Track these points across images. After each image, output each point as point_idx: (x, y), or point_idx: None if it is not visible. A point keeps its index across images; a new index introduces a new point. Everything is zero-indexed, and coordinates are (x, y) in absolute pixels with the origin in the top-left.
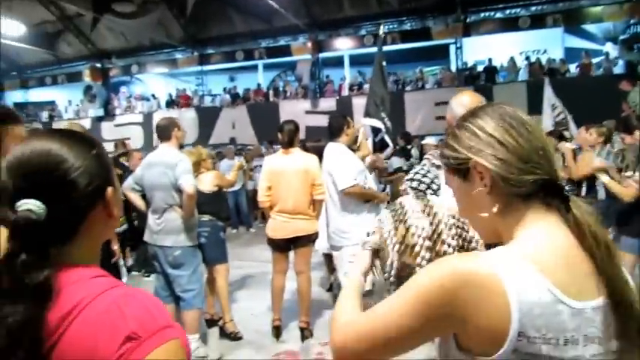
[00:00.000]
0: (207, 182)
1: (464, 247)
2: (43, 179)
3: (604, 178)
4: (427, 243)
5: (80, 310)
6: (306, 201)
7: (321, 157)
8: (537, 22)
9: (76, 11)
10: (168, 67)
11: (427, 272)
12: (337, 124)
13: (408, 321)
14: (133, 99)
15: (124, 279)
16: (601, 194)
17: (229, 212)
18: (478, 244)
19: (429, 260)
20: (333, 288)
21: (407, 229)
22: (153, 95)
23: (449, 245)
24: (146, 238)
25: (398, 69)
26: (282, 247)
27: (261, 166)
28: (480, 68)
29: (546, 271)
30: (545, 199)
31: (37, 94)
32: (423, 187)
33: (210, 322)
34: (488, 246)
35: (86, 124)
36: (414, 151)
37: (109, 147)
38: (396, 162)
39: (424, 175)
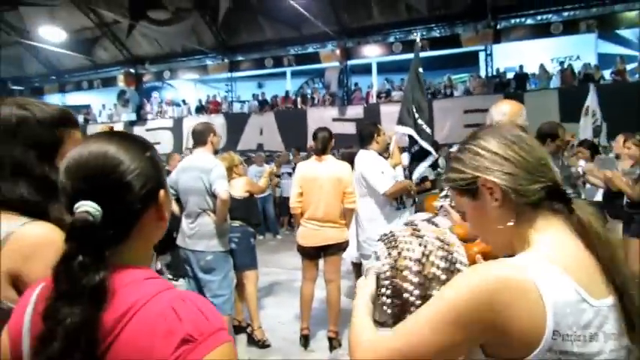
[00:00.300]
0: (239, 188)
1: (449, 268)
2: (100, 181)
3: None
4: (416, 267)
5: (135, 311)
6: (337, 209)
7: (353, 164)
8: (570, 27)
9: (113, 18)
10: (199, 73)
11: (458, 284)
12: (367, 132)
13: (443, 334)
14: (164, 104)
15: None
16: None
17: (260, 218)
18: (462, 264)
19: (419, 284)
20: None
21: (399, 254)
22: (183, 101)
23: (437, 267)
24: (179, 241)
25: (426, 76)
26: (312, 254)
27: (288, 173)
28: (511, 75)
29: (569, 272)
30: (551, 204)
31: (73, 98)
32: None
33: (239, 329)
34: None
35: (119, 127)
36: (441, 161)
37: None
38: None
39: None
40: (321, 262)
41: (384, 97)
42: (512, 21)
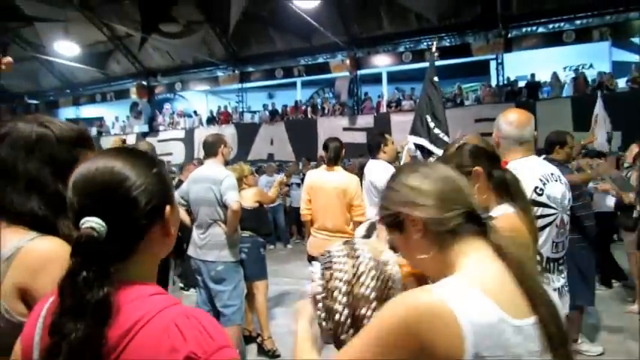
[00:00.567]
0: (248, 198)
1: (381, 287)
2: (106, 197)
3: None
4: (345, 288)
5: (140, 327)
6: (343, 220)
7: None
8: (583, 36)
9: (125, 32)
10: (210, 84)
11: (383, 314)
12: (375, 142)
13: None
14: (175, 115)
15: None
16: None
17: (270, 228)
18: (395, 283)
19: (347, 304)
20: None
21: (331, 275)
22: (195, 112)
23: (367, 287)
24: (190, 252)
25: None
26: None
27: (297, 184)
28: (522, 84)
29: (489, 294)
30: (471, 228)
31: (87, 111)
32: None
33: (249, 339)
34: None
35: (132, 139)
36: None
37: None
38: None
39: None
40: None
41: (395, 107)
42: (524, 30)
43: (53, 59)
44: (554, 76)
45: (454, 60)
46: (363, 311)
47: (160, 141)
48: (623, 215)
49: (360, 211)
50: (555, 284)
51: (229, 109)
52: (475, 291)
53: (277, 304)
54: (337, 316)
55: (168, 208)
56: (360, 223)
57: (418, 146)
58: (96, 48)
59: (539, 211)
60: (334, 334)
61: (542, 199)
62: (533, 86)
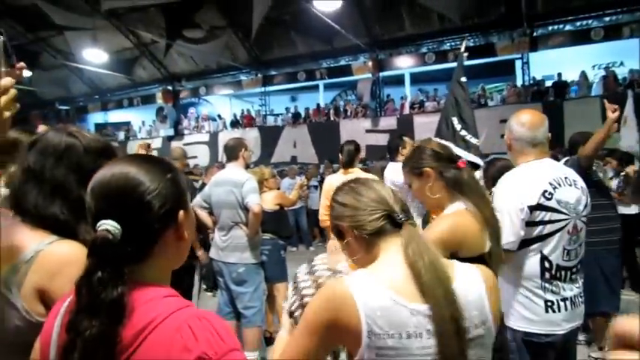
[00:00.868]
0: (269, 201)
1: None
2: (121, 201)
3: None
4: (304, 300)
5: (154, 327)
6: None
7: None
8: (612, 33)
9: (151, 38)
10: (234, 88)
11: (313, 300)
12: (393, 145)
13: (308, 343)
14: (200, 119)
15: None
16: None
17: (291, 231)
18: None
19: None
20: None
21: (300, 292)
22: (219, 115)
23: (311, 295)
24: (212, 254)
25: None
26: None
27: (314, 186)
28: (549, 83)
29: (387, 283)
30: (392, 229)
31: (115, 116)
32: None
33: (269, 340)
34: None
35: (157, 143)
36: (477, 173)
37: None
38: None
39: None
40: None
41: (418, 108)
42: (550, 28)
43: (82, 66)
44: (583, 74)
45: (478, 60)
46: None
47: (185, 144)
48: None
49: None
50: (566, 293)
51: (252, 113)
52: (372, 279)
53: None
54: None
55: (181, 212)
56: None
57: None
58: (123, 55)
59: (548, 216)
60: None
61: (551, 203)
62: (561, 86)
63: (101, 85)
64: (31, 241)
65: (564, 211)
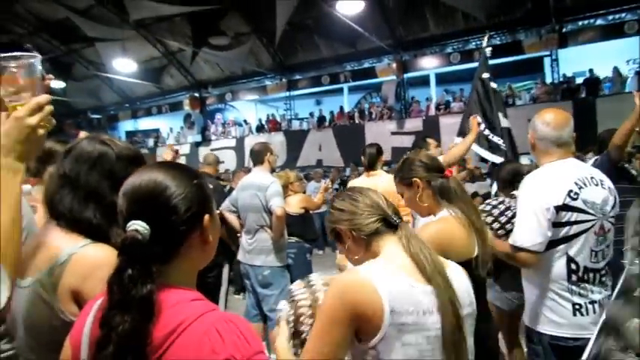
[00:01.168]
0: (295, 205)
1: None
2: (149, 204)
3: None
4: (309, 311)
5: (183, 329)
6: None
7: None
8: None
9: (178, 47)
10: (259, 93)
11: (326, 296)
12: (416, 146)
13: (330, 337)
14: (227, 125)
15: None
16: None
17: (316, 234)
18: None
19: (311, 325)
20: None
21: (296, 305)
22: (245, 121)
23: (308, 307)
24: (239, 257)
25: None
26: None
27: (336, 189)
28: (580, 80)
29: (401, 269)
30: (387, 230)
31: (144, 123)
32: (489, 219)
33: None
34: None
35: (185, 149)
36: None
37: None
38: (471, 186)
39: (494, 207)
40: None
41: (444, 109)
42: (580, 23)
43: (112, 76)
44: (616, 70)
45: (505, 59)
46: None
47: (212, 150)
48: None
49: (405, 211)
50: (595, 296)
51: (277, 117)
52: (390, 266)
53: None
54: (304, 336)
55: (207, 217)
56: (407, 223)
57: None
58: (151, 64)
59: (574, 216)
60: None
61: (577, 203)
62: (593, 82)
63: (131, 93)
64: (66, 244)
65: (591, 211)
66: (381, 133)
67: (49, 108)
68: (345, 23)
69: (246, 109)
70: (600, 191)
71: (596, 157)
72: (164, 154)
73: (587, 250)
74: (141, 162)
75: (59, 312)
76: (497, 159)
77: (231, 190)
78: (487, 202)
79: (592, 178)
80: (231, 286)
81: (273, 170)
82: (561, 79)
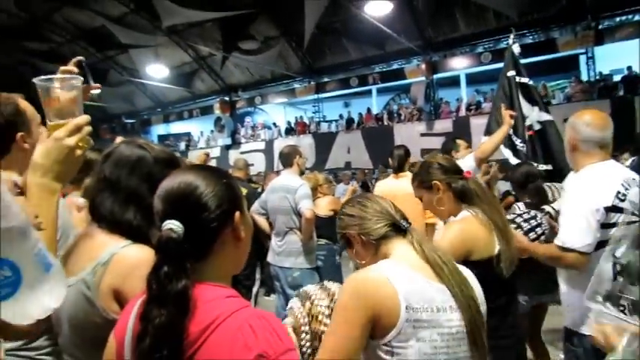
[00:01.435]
0: (324, 207)
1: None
2: (182, 203)
3: None
4: (327, 310)
5: (217, 325)
6: (418, 225)
7: None
8: None
9: (208, 52)
10: (288, 96)
11: (341, 295)
12: (447, 148)
13: (347, 333)
14: (256, 128)
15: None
16: None
17: None
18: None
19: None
20: None
21: (312, 303)
22: (274, 124)
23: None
24: (269, 258)
25: None
26: None
27: (362, 192)
28: (617, 78)
29: (414, 267)
30: (396, 234)
31: (176, 127)
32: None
33: None
34: None
35: (216, 152)
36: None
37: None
38: (504, 185)
39: (525, 220)
40: None
41: (474, 110)
42: (617, 19)
43: (146, 81)
44: None
45: (538, 57)
46: None
47: (242, 153)
48: None
49: (430, 215)
50: None
51: (306, 120)
52: (403, 265)
53: None
54: (323, 336)
55: (237, 213)
56: (432, 225)
57: None
58: (182, 69)
59: (621, 217)
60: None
61: (625, 204)
62: (631, 80)
63: (163, 98)
64: (107, 245)
65: (636, 212)
66: (410, 134)
67: (87, 129)
68: (373, 25)
69: (275, 112)
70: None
71: (633, 158)
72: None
73: None
74: (176, 164)
75: (101, 310)
76: (515, 160)
77: (263, 191)
78: (517, 213)
79: (633, 179)
80: (262, 287)
81: (302, 173)
82: (597, 77)
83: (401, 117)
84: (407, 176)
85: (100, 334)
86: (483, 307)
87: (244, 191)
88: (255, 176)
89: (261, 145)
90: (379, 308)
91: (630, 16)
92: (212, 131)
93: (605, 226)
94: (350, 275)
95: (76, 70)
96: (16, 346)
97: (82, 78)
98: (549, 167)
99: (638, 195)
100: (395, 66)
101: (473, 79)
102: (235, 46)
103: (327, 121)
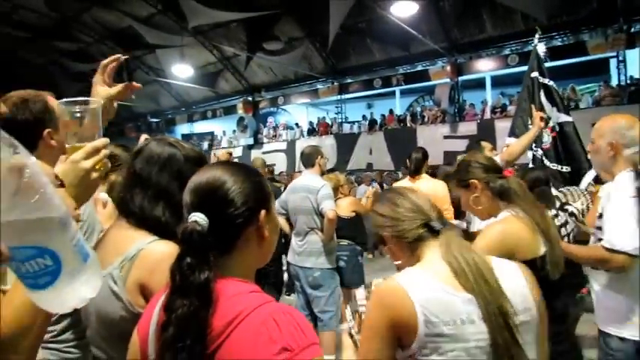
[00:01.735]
0: (345, 207)
1: None
2: (209, 197)
3: None
4: None
5: (242, 319)
6: None
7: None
8: None
9: (233, 52)
10: (310, 97)
11: (367, 304)
12: (470, 150)
13: (375, 345)
14: (278, 128)
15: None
16: None
17: (367, 237)
18: None
19: None
20: None
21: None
22: (296, 124)
23: None
24: (289, 258)
25: None
26: None
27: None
28: None
29: (438, 276)
30: (431, 235)
31: (200, 126)
32: None
33: None
34: None
35: (238, 151)
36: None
37: None
38: None
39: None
40: None
41: (500, 112)
42: None
43: (171, 81)
44: None
45: (567, 60)
46: None
47: (264, 153)
48: None
49: (448, 214)
50: None
51: (328, 120)
52: (425, 274)
53: None
54: None
55: (263, 212)
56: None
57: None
58: (207, 69)
59: None
60: None
61: None
62: None
63: (187, 98)
64: (135, 240)
65: None
66: (433, 136)
67: (105, 152)
68: (398, 26)
69: (298, 112)
70: None
71: None
72: (219, 155)
73: None
74: (204, 163)
75: (128, 304)
76: (530, 164)
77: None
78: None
79: None
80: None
81: (323, 173)
82: (628, 82)
83: (424, 119)
84: (423, 179)
85: (127, 327)
86: (525, 317)
87: None
88: (277, 175)
89: (283, 146)
90: (398, 320)
91: None
92: (234, 131)
93: None
94: (375, 283)
95: (116, 62)
96: (46, 338)
97: (102, 102)
98: (568, 169)
99: None
100: (419, 67)
101: (498, 82)
102: (260, 47)
103: (349, 122)
